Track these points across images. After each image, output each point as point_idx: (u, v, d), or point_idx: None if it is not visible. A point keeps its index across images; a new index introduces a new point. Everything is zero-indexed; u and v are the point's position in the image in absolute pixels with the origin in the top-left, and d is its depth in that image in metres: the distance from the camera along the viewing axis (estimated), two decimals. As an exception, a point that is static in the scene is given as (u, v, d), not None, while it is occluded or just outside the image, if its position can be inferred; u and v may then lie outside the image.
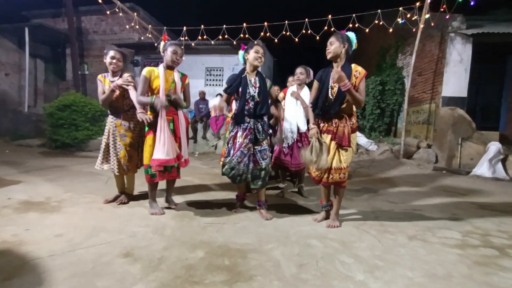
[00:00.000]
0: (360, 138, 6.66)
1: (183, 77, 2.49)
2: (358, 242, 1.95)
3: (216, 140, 7.27)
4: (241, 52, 2.42)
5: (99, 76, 2.61)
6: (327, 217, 2.36)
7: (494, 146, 4.97)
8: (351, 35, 2.15)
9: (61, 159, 5.44)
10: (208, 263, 1.60)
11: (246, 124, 2.35)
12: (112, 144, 2.57)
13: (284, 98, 3.20)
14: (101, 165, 2.62)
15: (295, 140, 3.04)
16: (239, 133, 2.35)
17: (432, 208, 2.86)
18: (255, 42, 2.61)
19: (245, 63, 2.42)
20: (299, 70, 3.03)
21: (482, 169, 4.87)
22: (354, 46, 2.17)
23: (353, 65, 2.13)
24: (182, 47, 2.52)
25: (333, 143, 2.17)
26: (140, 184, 3.33)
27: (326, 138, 2.20)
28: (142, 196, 2.91)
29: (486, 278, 1.52)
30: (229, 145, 2.40)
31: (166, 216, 2.38)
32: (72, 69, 9.13)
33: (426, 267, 1.62)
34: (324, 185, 2.29)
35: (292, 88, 3.13)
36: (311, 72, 3.08)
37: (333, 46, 2.11)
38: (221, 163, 2.51)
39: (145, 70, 2.35)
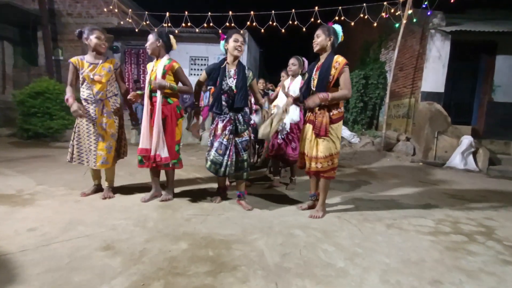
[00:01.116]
0: (343, 131, 6.81)
1: (168, 64, 2.37)
2: (339, 231, 2.01)
3: (201, 131, 7.15)
4: (222, 42, 2.38)
5: (73, 60, 2.37)
6: (312, 207, 2.42)
7: (467, 140, 5.27)
8: (337, 27, 2.17)
9: (34, 150, 5.13)
10: (191, 254, 1.58)
11: (226, 116, 2.33)
12: (87, 135, 2.39)
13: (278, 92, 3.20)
14: (75, 159, 2.44)
15: (289, 131, 3.05)
16: (219, 125, 2.33)
17: (409, 198, 3.00)
18: (240, 31, 2.56)
19: (226, 53, 2.38)
20: (291, 61, 3.01)
21: (455, 161, 5.16)
22: (340, 38, 2.19)
23: (335, 56, 2.13)
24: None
25: (312, 133, 2.20)
26: (122, 176, 3.22)
27: (309, 128, 2.25)
28: (123, 188, 2.81)
29: (456, 262, 1.63)
30: (211, 138, 2.38)
31: (148, 208, 2.32)
32: (45, 54, 8.53)
33: (401, 253, 1.71)
34: (308, 174, 2.34)
35: (286, 81, 3.13)
36: (306, 63, 3.06)
37: (320, 39, 2.15)
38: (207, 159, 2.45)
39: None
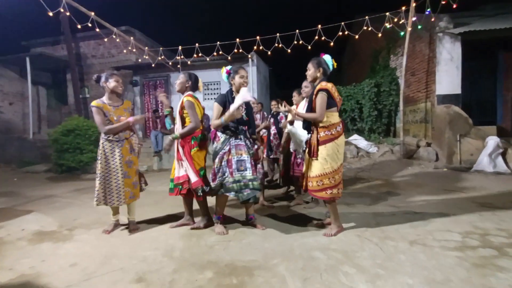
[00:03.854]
0: (359, 141, 6.73)
1: (182, 100, 2.58)
2: (360, 251, 2.01)
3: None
4: (225, 74, 2.57)
5: (96, 103, 2.52)
6: (327, 223, 2.52)
7: (492, 141, 5.02)
8: (327, 58, 2.39)
9: (68, 184, 5.56)
10: (217, 283, 1.67)
11: (238, 141, 2.45)
12: (114, 173, 2.50)
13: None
14: (103, 201, 2.51)
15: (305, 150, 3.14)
16: (232, 150, 2.42)
17: (433, 210, 2.91)
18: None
19: (230, 84, 2.56)
20: (304, 83, 3.18)
21: (483, 164, 4.91)
22: (332, 67, 2.40)
23: (320, 84, 2.32)
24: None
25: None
26: (148, 204, 3.42)
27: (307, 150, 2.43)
28: (150, 218, 2.99)
29: (484, 280, 1.58)
30: (223, 163, 2.40)
31: (174, 236, 2.46)
32: (74, 93, 9.36)
33: (425, 273, 1.68)
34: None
35: (302, 102, 3.28)
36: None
37: (310, 72, 2.42)
38: (215, 182, 2.42)
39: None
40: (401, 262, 1.82)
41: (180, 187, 2.51)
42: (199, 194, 2.47)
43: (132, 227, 2.65)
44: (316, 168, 2.27)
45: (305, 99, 3.24)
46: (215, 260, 1.96)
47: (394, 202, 3.27)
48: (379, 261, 1.85)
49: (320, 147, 2.27)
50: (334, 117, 2.31)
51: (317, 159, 2.27)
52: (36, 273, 1.89)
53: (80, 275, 1.83)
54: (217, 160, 2.44)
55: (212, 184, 2.44)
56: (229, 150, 2.42)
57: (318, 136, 2.28)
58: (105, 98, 2.62)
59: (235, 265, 1.88)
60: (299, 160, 3.16)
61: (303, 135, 3.10)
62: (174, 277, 1.76)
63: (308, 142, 2.43)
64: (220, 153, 2.44)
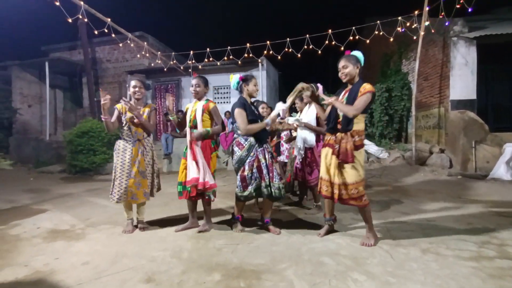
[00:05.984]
0: (370, 146, 6.63)
1: (205, 104, 2.62)
2: (370, 258, 1.97)
3: (227, 157, 7.42)
4: (236, 80, 2.57)
5: (118, 106, 2.68)
6: (330, 231, 2.44)
7: (510, 148, 4.85)
8: (359, 54, 2.23)
9: (81, 185, 5.71)
10: (224, 286, 1.67)
11: (262, 147, 2.50)
12: (120, 170, 2.60)
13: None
14: (119, 197, 2.60)
15: (304, 155, 3.12)
16: (260, 156, 2.46)
17: (447, 218, 2.83)
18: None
19: (240, 91, 2.58)
20: None
21: (500, 172, 4.74)
22: (362, 64, 2.26)
23: (364, 83, 2.15)
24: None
25: (334, 158, 2.21)
26: (157, 205, 3.47)
27: (328, 152, 2.27)
28: (159, 218, 3.03)
29: (501, 292, 1.52)
30: (254, 170, 2.42)
31: (182, 238, 2.48)
32: (89, 96, 9.67)
33: (438, 282, 1.63)
34: (338, 202, 2.27)
35: (305, 108, 3.24)
36: (320, 88, 3.16)
37: (348, 69, 2.18)
38: (247, 189, 2.45)
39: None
40: (413, 270, 1.77)
41: (189, 189, 2.53)
42: (207, 197, 2.52)
43: (141, 226, 2.72)
44: (353, 174, 2.14)
45: (308, 104, 3.20)
46: (223, 263, 1.97)
47: (405, 209, 3.20)
48: (390, 268, 1.81)
49: (356, 152, 2.13)
50: (363, 123, 2.21)
51: (353, 165, 2.13)
52: (50, 270, 1.94)
53: (91, 273, 1.87)
54: (246, 167, 2.44)
55: (245, 192, 2.46)
56: (257, 157, 2.46)
57: (354, 140, 2.14)
58: (132, 100, 2.76)
59: (243, 268, 1.88)
60: (298, 165, 3.14)
61: (311, 139, 3.09)
62: (183, 278, 1.77)
63: (327, 145, 2.27)
64: (249, 160, 2.44)
